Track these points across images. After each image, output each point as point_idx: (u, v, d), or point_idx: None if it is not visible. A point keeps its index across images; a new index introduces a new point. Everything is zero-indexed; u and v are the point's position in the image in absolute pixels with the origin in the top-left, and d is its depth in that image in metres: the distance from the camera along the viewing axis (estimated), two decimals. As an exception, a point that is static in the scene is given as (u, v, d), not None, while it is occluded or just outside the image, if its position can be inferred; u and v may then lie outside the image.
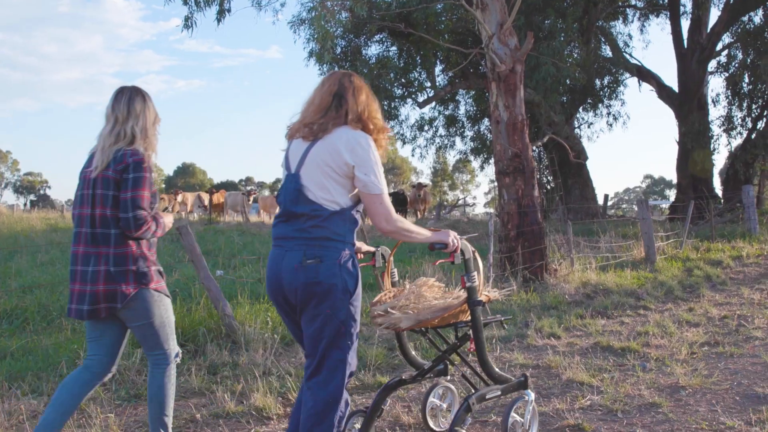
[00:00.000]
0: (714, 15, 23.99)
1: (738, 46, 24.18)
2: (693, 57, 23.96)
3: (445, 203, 55.74)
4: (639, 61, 25.98)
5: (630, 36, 28.20)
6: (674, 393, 4.74)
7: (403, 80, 21.85)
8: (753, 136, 23.50)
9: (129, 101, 3.52)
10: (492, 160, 15.73)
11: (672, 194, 26.39)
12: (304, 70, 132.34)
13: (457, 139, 27.39)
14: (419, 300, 3.66)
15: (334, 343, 3.04)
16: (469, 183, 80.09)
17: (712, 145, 24.40)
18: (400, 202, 30.52)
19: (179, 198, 28.72)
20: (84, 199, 3.45)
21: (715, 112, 28.12)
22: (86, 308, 3.35)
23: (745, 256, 12.38)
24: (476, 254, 3.64)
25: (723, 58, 25.13)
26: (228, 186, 69.58)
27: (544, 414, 4.35)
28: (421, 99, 22.21)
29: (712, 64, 24.97)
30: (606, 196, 29.98)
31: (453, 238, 3.59)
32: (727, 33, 24.30)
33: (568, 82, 21.61)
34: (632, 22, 29.45)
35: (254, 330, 6.26)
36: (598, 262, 10.88)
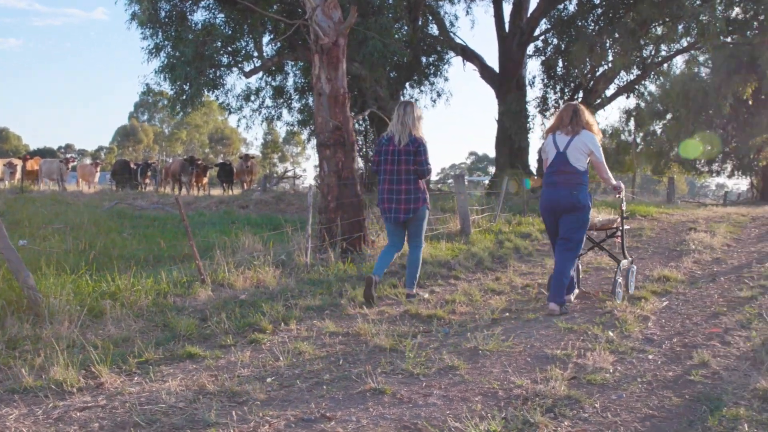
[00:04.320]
0: (534, 1, 25.14)
1: (554, 32, 25.46)
2: (513, 40, 25.03)
3: (275, 175, 55.41)
4: (464, 41, 26.84)
5: (456, 16, 28.99)
6: (472, 356, 5.01)
7: (229, 49, 21.44)
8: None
9: None
10: (317, 133, 15.78)
11: (494, 170, 27.71)
12: (128, 33, 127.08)
13: (285, 111, 27.29)
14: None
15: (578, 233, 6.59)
16: (300, 155, 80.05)
17: (528, 125, 25.66)
18: (226, 173, 30.06)
19: (-16, 164, 26.90)
20: None
21: (532, 94, 29.50)
22: None
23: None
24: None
25: (540, 43, 26.41)
26: (46, 153, 65.91)
27: (348, 378, 4.49)
28: (247, 69, 21.90)
29: (530, 48, 26.20)
30: (429, 171, 30.81)
31: (621, 184, 7.21)
32: (545, 19, 25.51)
33: (395, 58, 21.98)
34: (459, 2, 30.34)
35: (59, 302, 5.99)
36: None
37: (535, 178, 23.14)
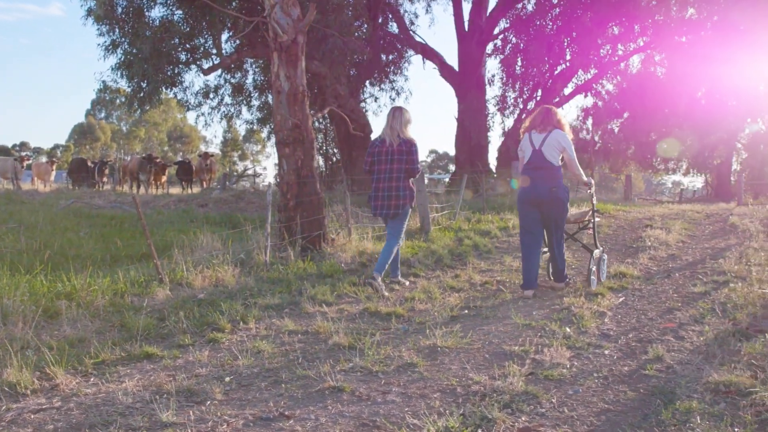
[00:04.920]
0: (493, 0, 25.29)
1: (513, 31, 25.65)
2: (473, 39, 25.17)
3: (235, 173, 55.06)
4: (424, 40, 26.93)
5: (416, 15, 28.99)
6: (431, 353, 5.03)
7: (188, 46, 21.23)
8: (524, 116, 25.12)
9: None
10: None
11: (454, 168, 27.92)
12: (85, 29, 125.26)
13: (244, 109, 27.15)
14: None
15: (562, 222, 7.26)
16: (260, 153, 79.62)
17: (487, 123, 25.83)
18: (185, 170, 29.79)
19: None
20: None
21: (491, 92, 29.79)
22: None
23: (511, 227, 13.28)
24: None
25: (499, 42, 26.57)
26: (0, 151, 64.74)
27: (308, 377, 4.48)
28: (206, 66, 21.71)
29: (489, 47, 26.35)
30: (390, 169, 30.87)
31: (592, 180, 7.83)
32: (504, 18, 25.68)
33: (354, 56, 21.97)
34: (419, 0, 30.39)
35: (13, 303, 5.89)
36: (375, 232, 11.23)
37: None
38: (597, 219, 9.00)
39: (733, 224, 13.61)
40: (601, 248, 8.08)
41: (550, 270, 7.75)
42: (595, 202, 8.25)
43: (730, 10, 21.11)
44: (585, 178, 7.69)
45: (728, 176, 37.96)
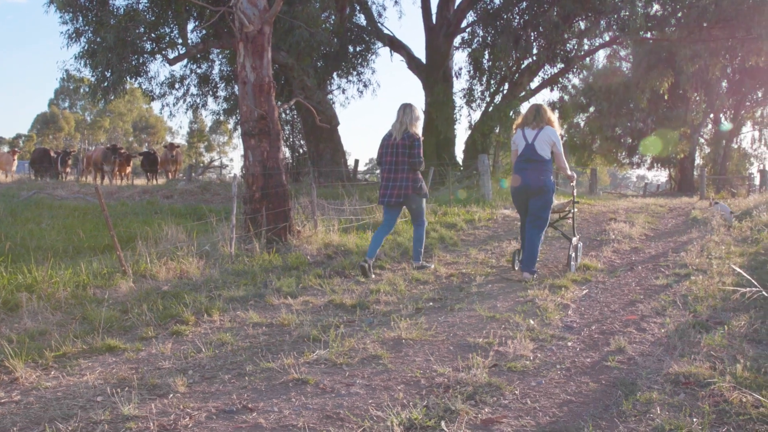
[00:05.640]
0: (461, -7, 25.29)
1: (480, 24, 25.68)
2: (440, 31, 25.18)
3: (201, 164, 54.66)
4: (391, 32, 26.90)
5: (384, 7, 28.98)
6: (396, 346, 5.04)
7: (153, 35, 20.94)
8: (490, 109, 25.23)
9: None
10: (243, 122, 15.60)
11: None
12: (47, 17, 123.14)
13: (210, 99, 26.93)
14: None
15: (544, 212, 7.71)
16: (226, 144, 79.08)
17: (454, 116, 25.87)
18: (150, 162, 29.49)
19: None
20: None
21: (458, 85, 29.94)
22: None
23: (477, 220, 13.34)
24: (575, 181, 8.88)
25: (467, 35, 26.56)
26: (-42, 141, 63.59)
27: (272, 370, 4.46)
28: (172, 56, 21.46)
29: (457, 40, 26.37)
30: (356, 161, 30.92)
31: (575, 174, 8.51)
32: (472, 11, 25.70)
33: (322, 47, 21.86)
34: (388, -8, 30.28)
35: (-29, 295, 5.81)
36: (341, 224, 11.22)
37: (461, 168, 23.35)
38: (575, 210, 9.44)
39: (695, 218, 13.81)
40: (578, 236, 8.91)
41: (520, 258, 8.13)
42: (575, 193, 9.20)
43: (693, 7, 21.36)
44: (569, 172, 8.33)
45: (691, 171, 38.53)
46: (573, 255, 8.36)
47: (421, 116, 8.63)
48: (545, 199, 7.79)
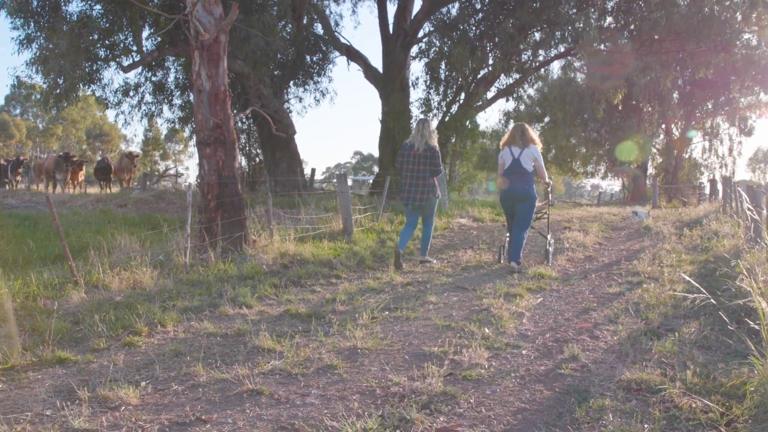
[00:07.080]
0: (418, 3, 25.43)
1: (437, 34, 25.78)
2: (397, 41, 25.22)
3: (156, 173, 54.06)
4: (349, 41, 26.95)
5: (341, 16, 29.01)
6: (351, 355, 5.03)
7: (107, 42, 20.64)
8: (447, 119, 25.34)
9: None
10: (198, 130, 15.47)
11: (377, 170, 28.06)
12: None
13: (165, 107, 26.58)
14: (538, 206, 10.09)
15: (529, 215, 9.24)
16: (182, 153, 78.40)
17: (411, 125, 25.91)
18: (104, 170, 29.10)
19: None
20: None
21: (415, 95, 30.08)
22: None
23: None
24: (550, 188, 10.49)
25: (424, 45, 26.63)
26: None
27: (226, 380, 4.42)
28: (126, 63, 21.16)
29: (414, 50, 26.41)
30: (313, 170, 30.86)
31: (551, 181, 10.38)
32: (429, 21, 25.80)
33: (278, 56, 21.78)
34: (344, 1, 30.38)
35: None
36: (297, 233, 11.18)
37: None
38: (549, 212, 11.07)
39: (647, 227, 14.02)
40: (550, 234, 10.45)
41: (508, 249, 9.46)
42: (551, 198, 10.67)
43: (646, 20, 21.73)
44: (548, 180, 10.00)
45: (644, 180, 39.15)
46: (550, 249, 9.85)
47: (435, 130, 9.86)
48: (530, 205, 9.27)
